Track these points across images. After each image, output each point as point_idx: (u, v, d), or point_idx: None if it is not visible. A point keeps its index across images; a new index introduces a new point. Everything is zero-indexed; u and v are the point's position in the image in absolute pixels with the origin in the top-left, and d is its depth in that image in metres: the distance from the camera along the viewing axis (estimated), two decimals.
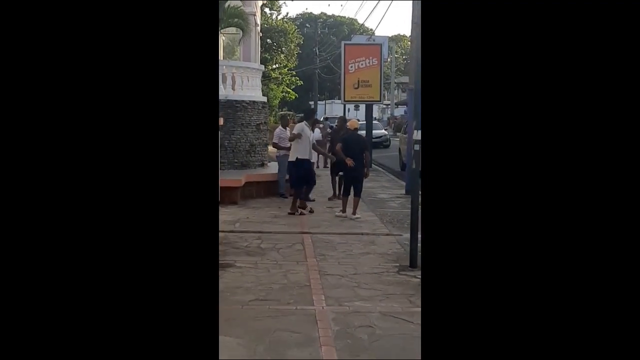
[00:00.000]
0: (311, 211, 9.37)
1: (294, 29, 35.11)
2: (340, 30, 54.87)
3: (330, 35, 53.40)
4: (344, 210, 9.18)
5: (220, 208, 9.66)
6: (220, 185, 9.96)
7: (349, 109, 35.10)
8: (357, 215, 9.04)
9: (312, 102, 44.51)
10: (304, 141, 9.40)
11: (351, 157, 8.92)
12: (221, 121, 9.93)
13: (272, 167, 12.16)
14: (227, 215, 8.94)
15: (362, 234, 7.90)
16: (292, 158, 9.59)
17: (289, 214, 9.19)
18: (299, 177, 9.48)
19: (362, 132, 12.11)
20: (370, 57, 17.43)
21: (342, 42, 19.56)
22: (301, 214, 9.20)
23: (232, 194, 10.17)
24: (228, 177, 10.33)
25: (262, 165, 12.50)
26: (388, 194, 12.31)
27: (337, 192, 10.70)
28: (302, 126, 9.59)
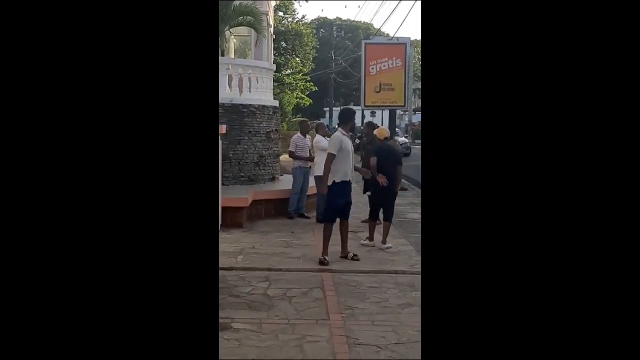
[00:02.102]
0: (355, 257, 6.71)
1: (309, 32, 33.55)
2: (356, 34, 53.41)
3: (345, 40, 52.01)
4: (371, 238, 7.51)
5: (221, 234, 8.06)
6: (222, 205, 8.37)
7: (364, 115, 33.31)
8: (387, 245, 7.37)
9: (327, 109, 42.99)
10: (344, 157, 6.51)
11: (383, 173, 7.27)
12: (223, 129, 8.32)
13: (285, 181, 10.51)
14: (228, 244, 7.32)
15: (396, 272, 6.23)
16: (336, 178, 6.61)
17: (320, 262, 6.46)
18: (335, 208, 6.60)
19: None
20: (394, 58, 15.81)
21: (363, 42, 17.94)
22: (353, 258, 6.68)
23: (237, 215, 8.55)
24: (232, 195, 8.71)
25: (273, 179, 10.86)
26: (418, 213, 10.63)
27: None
28: (339, 137, 6.59)
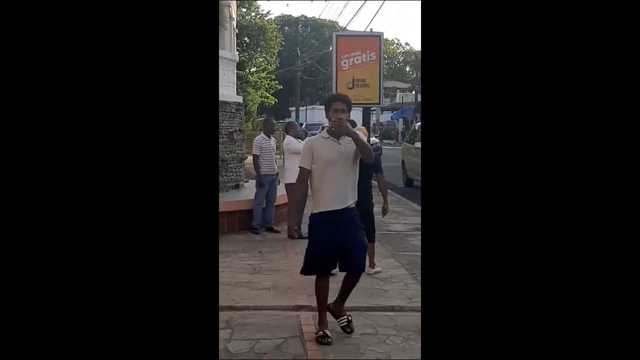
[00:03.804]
0: (326, 341, 4.10)
1: (274, 27, 32.20)
2: (321, 32, 52.35)
3: (310, 39, 50.81)
4: None
5: None
6: None
7: None
8: (376, 269, 6.08)
9: (293, 108, 41.61)
10: (324, 172, 4.07)
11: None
12: None
13: (251, 189, 9.09)
14: None
15: (393, 309, 4.94)
16: (315, 207, 4.18)
17: (317, 337, 4.15)
18: (316, 253, 4.15)
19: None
20: (368, 52, 14.53)
21: (334, 33, 16.66)
22: (345, 329, 4.32)
23: None
24: None
25: (237, 186, 9.48)
26: (403, 224, 9.39)
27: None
28: (310, 141, 4.27)
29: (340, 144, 4.07)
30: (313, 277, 4.23)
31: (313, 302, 4.93)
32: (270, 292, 5.35)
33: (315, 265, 4.17)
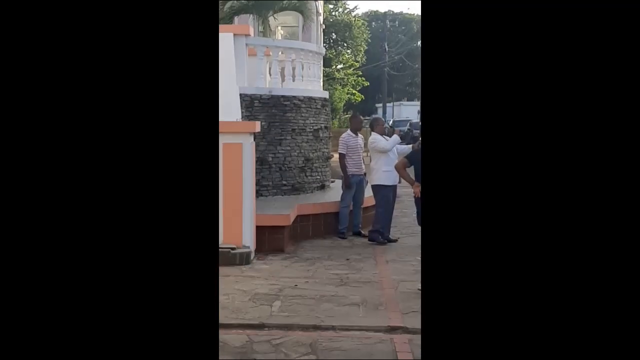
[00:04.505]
0: None
1: (360, 23, 31.62)
2: (409, 27, 51.24)
3: (398, 34, 49.86)
4: None
5: (256, 263, 6.25)
6: (258, 224, 6.58)
7: (419, 111, 30.89)
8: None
9: (379, 105, 40.87)
10: None
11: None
12: (257, 126, 6.50)
13: (338, 189, 8.52)
14: (263, 280, 5.47)
15: None
16: None
17: None
18: None
19: None
20: None
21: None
22: None
23: (276, 236, 6.70)
24: (271, 211, 6.89)
25: (323, 187, 8.94)
26: None
27: None
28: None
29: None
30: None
31: (409, 323, 4.35)
32: (359, 308, 4.76)
33: None
